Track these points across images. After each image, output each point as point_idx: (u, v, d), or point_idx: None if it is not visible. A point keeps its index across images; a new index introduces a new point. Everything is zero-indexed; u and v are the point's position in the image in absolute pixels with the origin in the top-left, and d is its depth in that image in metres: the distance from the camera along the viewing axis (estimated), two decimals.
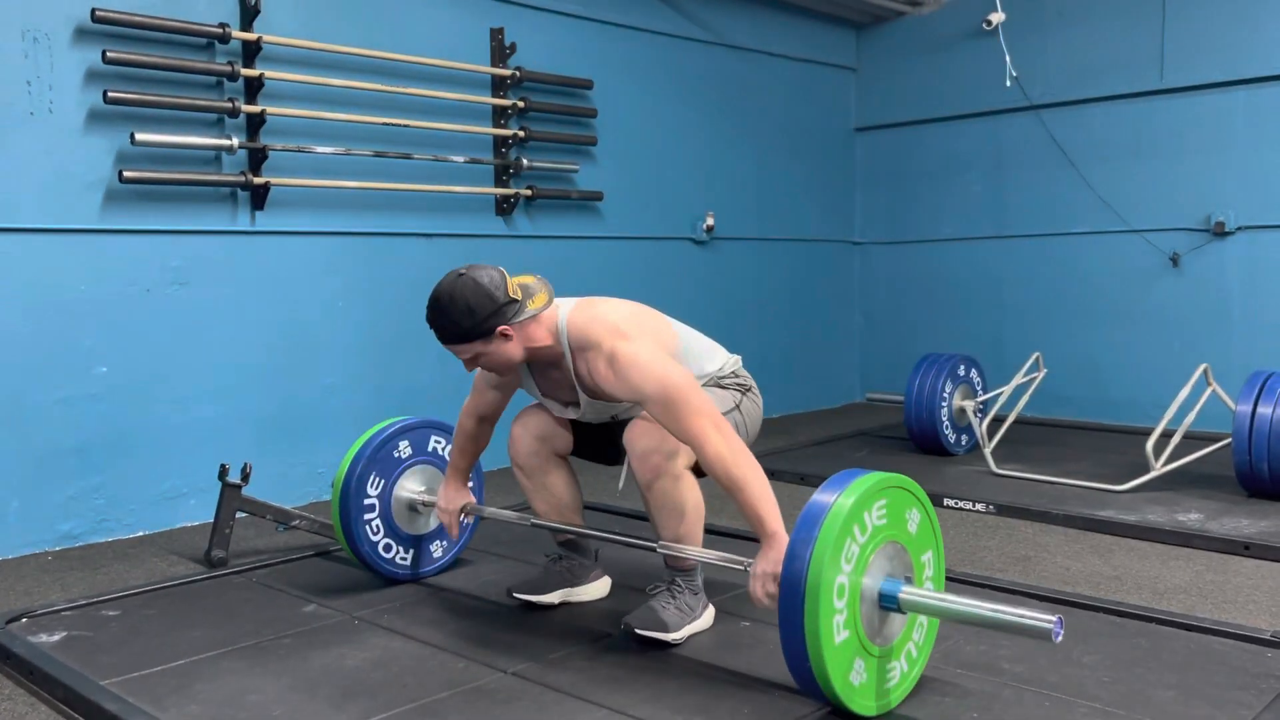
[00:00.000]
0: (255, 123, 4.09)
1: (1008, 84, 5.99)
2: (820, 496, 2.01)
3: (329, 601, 2.90)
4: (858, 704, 2.05)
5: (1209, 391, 4.34)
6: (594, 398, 2.52)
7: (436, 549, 3.16)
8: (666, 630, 2.48)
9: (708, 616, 2.64)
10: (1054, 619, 1.90)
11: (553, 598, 2.80)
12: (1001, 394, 4.97)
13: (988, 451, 4.69)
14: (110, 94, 3.67)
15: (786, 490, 4.50)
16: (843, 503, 1.97)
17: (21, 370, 3.61)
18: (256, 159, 4.10)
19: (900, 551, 2.11)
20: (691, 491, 2.49)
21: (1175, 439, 4.26)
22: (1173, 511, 3.87)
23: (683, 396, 2.27)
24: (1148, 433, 4.32)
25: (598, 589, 2.90)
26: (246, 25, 4.07)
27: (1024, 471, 4.56)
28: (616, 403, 2.52)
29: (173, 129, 3.89)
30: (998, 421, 5.03)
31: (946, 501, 4.13)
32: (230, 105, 3.98)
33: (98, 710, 2.21)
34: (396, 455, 3.03)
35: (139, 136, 3.73)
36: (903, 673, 2.16)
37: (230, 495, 3.38)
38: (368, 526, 2.98)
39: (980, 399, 5.11)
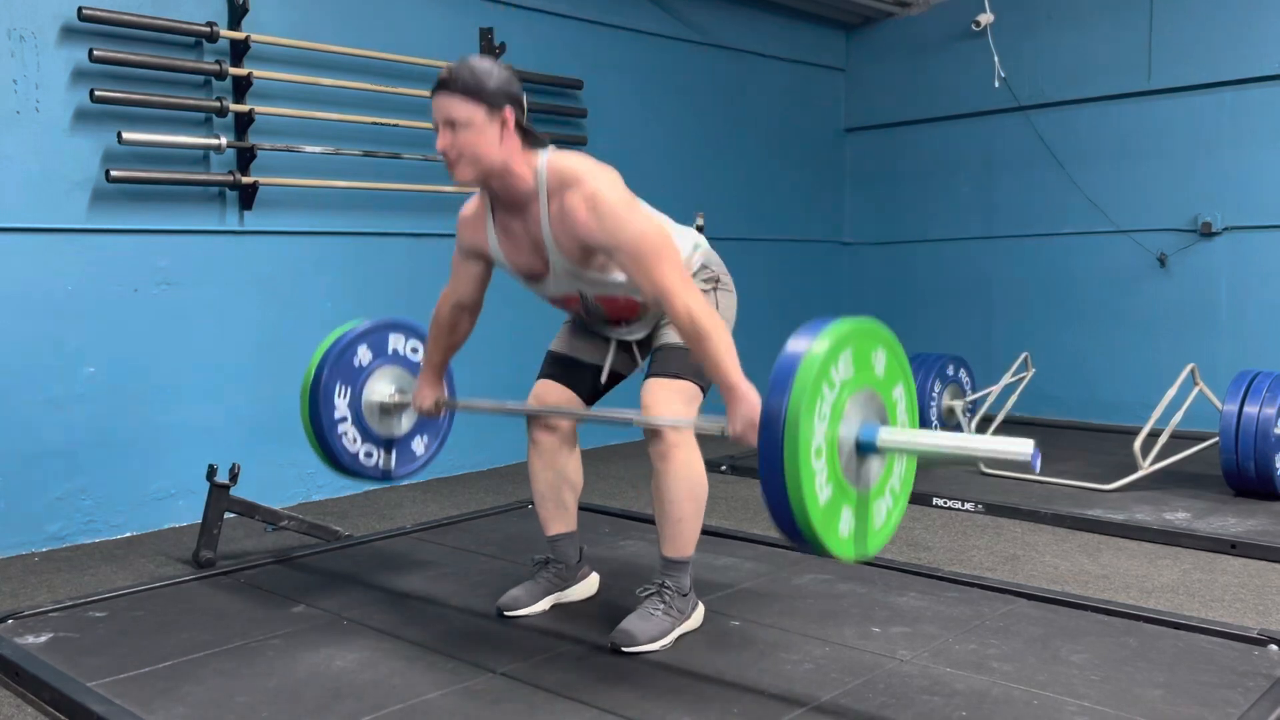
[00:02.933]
0: (243, 122, 4.08)
1: (996, 85, 6.02)
2: (784, 357, 1.94)
3: (317, 602, 2.90)
4: (853, 550, 2.02)
5: (1196, 391, 4.36)
6: (563, 251, 2.43)
7: (419, 445, 3.12)
8: (653, 641, 2.48)
9: (697, 616, 2.64)
10: (1030, 447, 1.86)
11: (543, 606, 2.79)
12: (990, 393, 4.99)
13: None
14: (97, 93, 3.66)
15: None
16: (807, 368, 1.90)
17: (8, 371, 3.60)
18: (245, 158, 4.08)
19: (871, 396, 2.06)
20: (702, 466, 2.53)
21: (1162, 438, 4.29)
22: (1160, 511, 3.89)
23: (656, 249, 2.29)
24: (1135, 432, 4.34)
25: (586, 588, 2.90)
26: (235, 24, 4.06)
27: (1012, 471, 4.58)
28: (586, 265, 2.44)
29: (160, 128, 3.88)
30: (986, 421, 5.05)
31: (935, 501, 4.14)
32: (218, 104, 3.97)
33: (85, 712, 2.19)
34: (358, 363, 2.95)
35: (126, 136, 3.72)
36: (888, 509, 2.12)
37: (218, 496, 3.37)
38: (344, 438, 2.92)
39: (969, 398, 5.12)
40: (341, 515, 4.09)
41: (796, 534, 1.95)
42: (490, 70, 2.35)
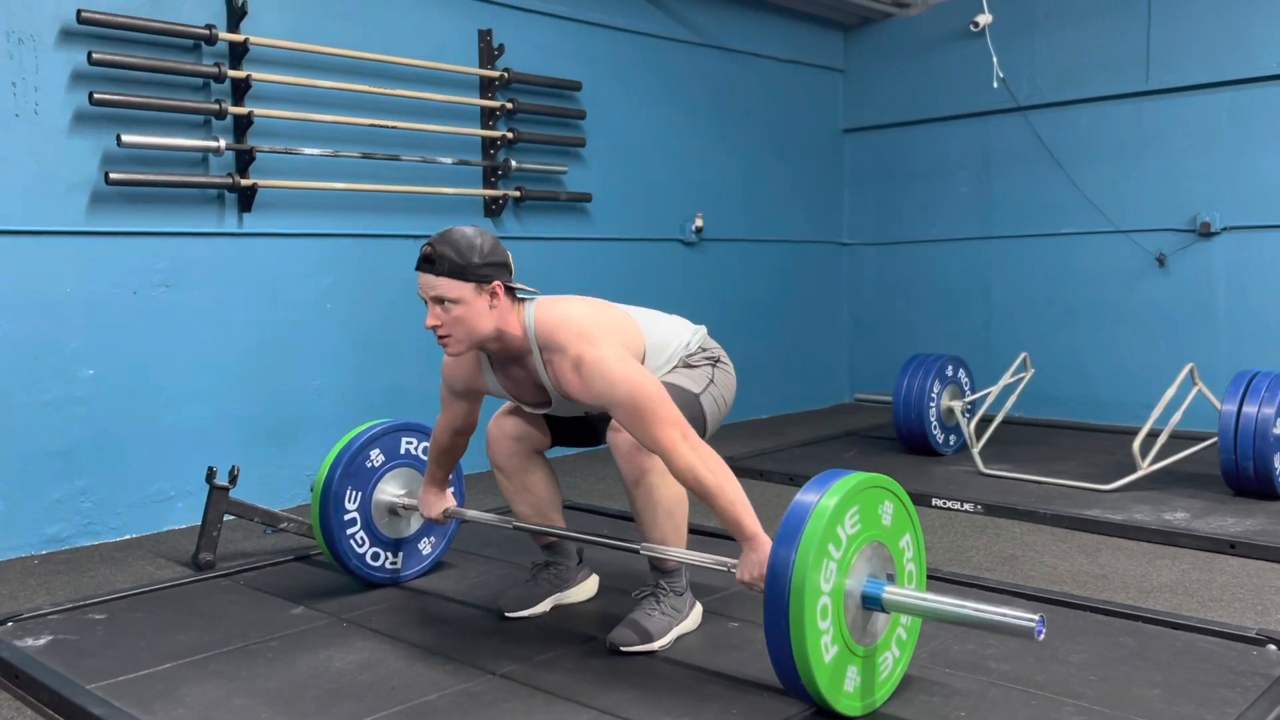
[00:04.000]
0: (242, 124, 4.08)
1: (995, 85, 6.01)
2: (793, 511, 1.99)
3: (316, 604, 2.90)
4: (860, 705, 2.07)
5: (1195, 391, 4.36)
6: (564, 395, 2.49)
7: (425, 546, 3.16)
8: (650, 640, 2.48)
9: (695, 617, 2.64)
10: (1035, 618, 1.90)
11: (544, 607, 2.80)
12: (989, 394, 4.99)
13: (975, 451, 4.71)
14: (96, 95, 3.66)
15: (775, 490, 4.52)
16: (815, 524, 1.95)
17: (7, 373, 3.60)
18: (243, 161, 4.08)
19: (878, 549, 2.11)
20: (676, 488, 2.49)
21: (1161, 438, 4.29)
22: (1159, 510, 3.89)
23: (651, 406, 2.26)
24: (1134, 432, 4.34)
25: (586, 589, 2.90)
26: (233, 26, 4.06)
27: (1011, 471, 4.58)
28: (588, 403, 2.49)
29: (159, 131, 3.88)
30: (985, 421, 5.05)
31: (934, 501, 4.14)
32: (217, 107, 3.97)
33: (84, 714, 2.19)
34: (369, 465, 3.00)
35: (125, 138, 3.72)
36: (894, 659, 2.17)
37: (218, 498, 3.37)
38: (352, 540, 2.97)
39: (968, 399, 5.12)
40: None
41: (802, 693, 1.99)
42: (474, 244, 2.33)
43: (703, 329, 2.76)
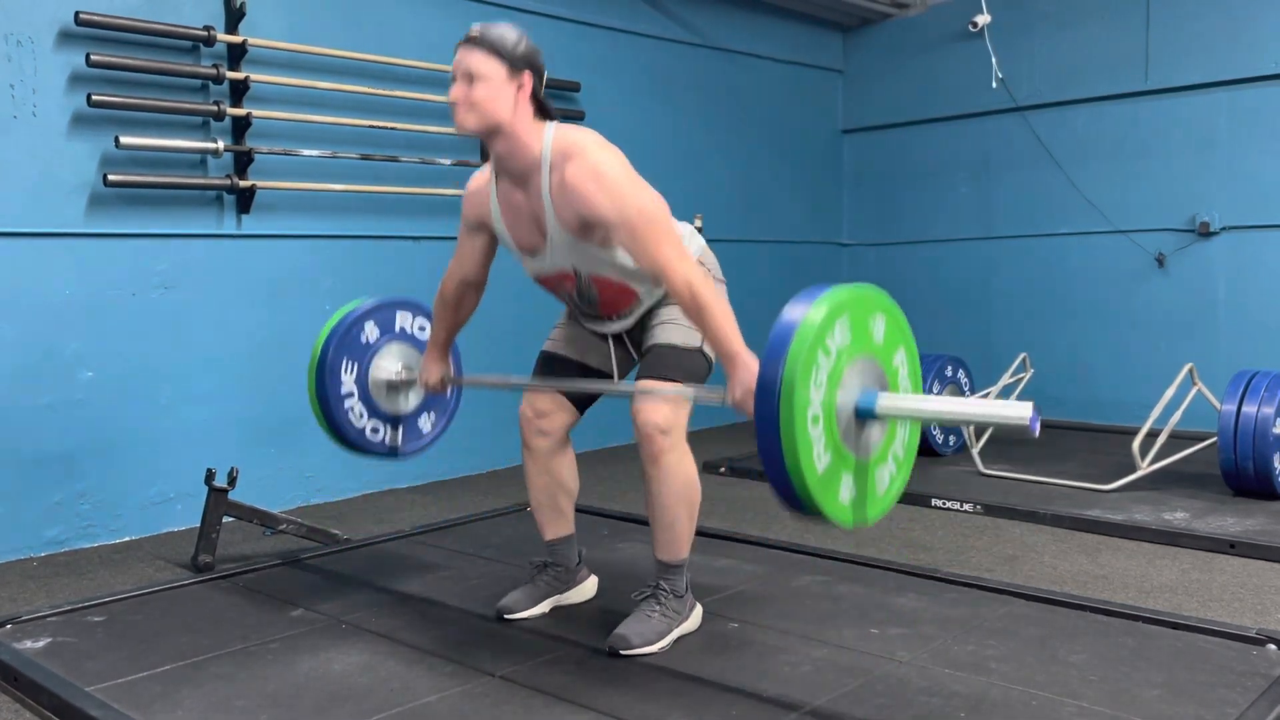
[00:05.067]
0: (241, 126, 4.08)
1: (994, 86, 6.02)
2: (780, 325, 1.94)
3: (316, 606, 2.89)
4: (852, 517, 2.00)
5: (1194, 391, 4.36)
6: (562, 223, 2.43)
7: (426, 423, 3.12)
8: (650, 642, 2.48)
9: (695, 618, 2.64)
10: (1029, 409, 1.85)
11: (543, 608, 2.79)
12: (989, 394, 4.99)
13: (975, 452, 4.71)
14: (95, 97, 3.66)
15: None
16: (802, 336, 1.89)
17: (6, 375, 3.59)
18: (242, 162, 4.08)
19: (870, 363, 2.04)
20: (691, 469, 2.52)
21: (1161, 438, 4.29)
22: (1159, 510, 3.89)
23: (655, 223, 2.32)
24: (1134, 432, 4.34)
25: (585, 590, 2.90)
26: (232, 28, 4.06)
27: (1011, 471, 4.58)
28: (584, 238, 2.43)
29: (158, 132, 3.88)
30: None
31: (934, 501, 4.14)
32: (216, 108, 3.97)
33: (83, 716, 2.19)
34: (365, 339, 2.95)
35: (124, 140, 3.72)
36: (891, 475, 2.11)
37: (217, 500, 3.36)
38: (350, 412, 2.92)
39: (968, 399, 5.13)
40: (340, 518, 4.09)
41: (795, 501, 1.93)
42: (519, 38, 2.42)
43: (700, 240, 2.70)
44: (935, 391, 4.99)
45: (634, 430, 2.49)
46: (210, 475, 3.39)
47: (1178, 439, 4.46)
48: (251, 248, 4.19)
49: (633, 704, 2.20)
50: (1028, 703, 2.18)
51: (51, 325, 3.69)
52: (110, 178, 3.72)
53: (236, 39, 4.02)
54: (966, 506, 4.07)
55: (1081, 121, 5.96)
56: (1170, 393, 4.29)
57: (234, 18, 4.05)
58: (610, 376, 2.72)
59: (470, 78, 2.36)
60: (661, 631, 2.51)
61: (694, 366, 2.52)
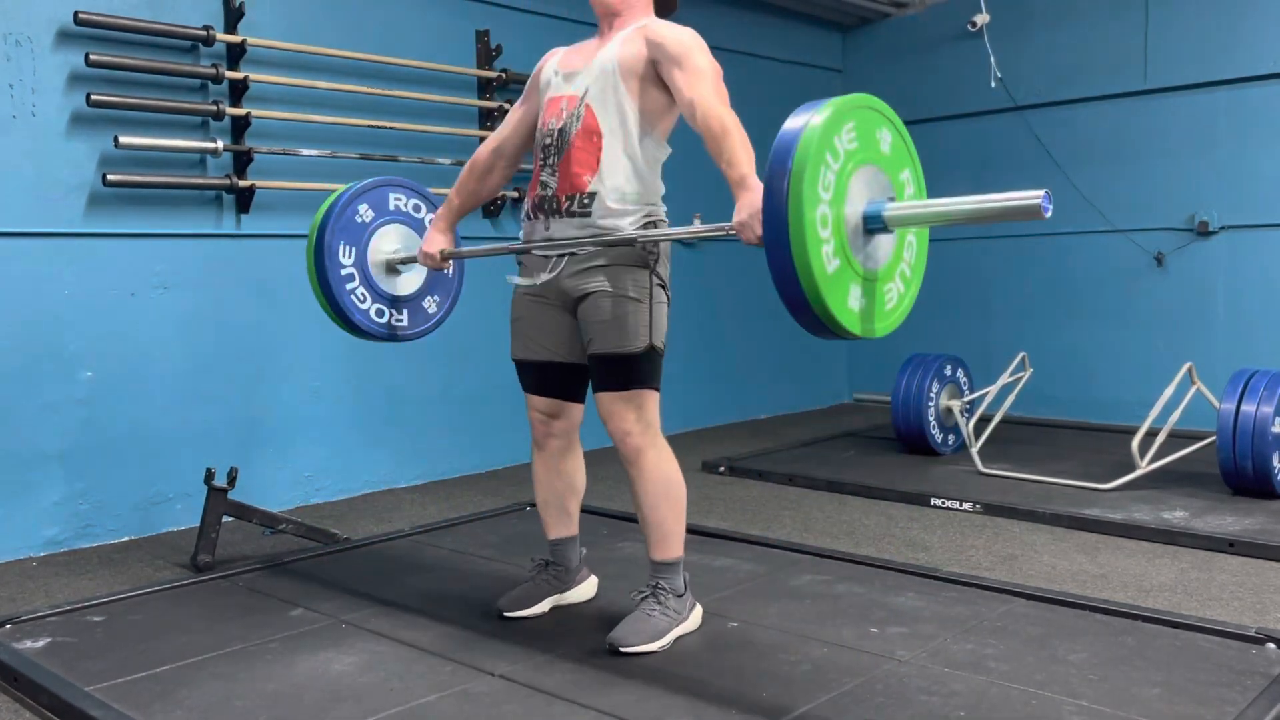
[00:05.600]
0: (240, 125, 4.08)
1: (992, 85, 6.02)
2: (787, 127, 1.90)
3: (315, 605, 2.89)
4: (860, 326, 1.98)
5: (1193, 390, 4.36)
6: (616, 56, 2.51)
7: (431, 304, 3.10)
8: (650, 641, 2.48)
9: (695, 618, 2.64)
10: (1040, 194, 1.84)
11: (542, 607, 2.79)
12: (988, 394, 4.99)
13: (974, 451, 4.71)
14: (94, 97, 3.66)
15: (775, 490, 4.52)
16: (810, 131, 1.85)
17: (5, 375, 3.59)
18: (241, 162, 4.08)
19: (877, 174, 2.01)
20: (671, 467, 2.54)
21: (1160, 437, 4.29)
22: (1158, 509, 3.89)
23: (707, 72, 2.47)
24: (1133, 431, 4.35)
25: (585, 590, 2.90)
26: (231, 28, 4.06)
27: (1010, 471, 4.58)
28: (626, 77, 2.50)
29: (157, 132, 3.88)
30: (984, 421, 5.05)
31: (933, 501, 4.15)
32: (215, 108, 3.97)
33: (82, 717, 2.19)
34: (359, 220, 2.93)
35: (123, 140, 3.72)
36: (899, 293, 2.09)
37: (216, 499, 3.37)
38: (353, 296, 2.91)
39: (967, 399, 5.12)
40: (339, 518, 4.09)
41: (803, 303, 1.88)
42: None
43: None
44: (934, 391, 4.99)
45: (610, 433, 2.52)
46: (210, 475, 3.39)
47: (1177, 438, 4.46)
48: (250, 247, 4.19)
49: (633, 703, 2.20)
50: (1027, 702, 2.18)
51: (51, 325, 3.69)
52: (109, 177, 3.72)
53: (235, 39, 4.02)
54: (966, 506, 4.08)
55: (1080, 121, 5.96)
56: (1169, 392, 4.29)
57: (233, 17, 4.05)
58: (566, 359, 2.64)
59: None
60: (662, 630, 2.51)
61: (648, 368, 2.51)
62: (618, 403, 2.50)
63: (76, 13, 3.62)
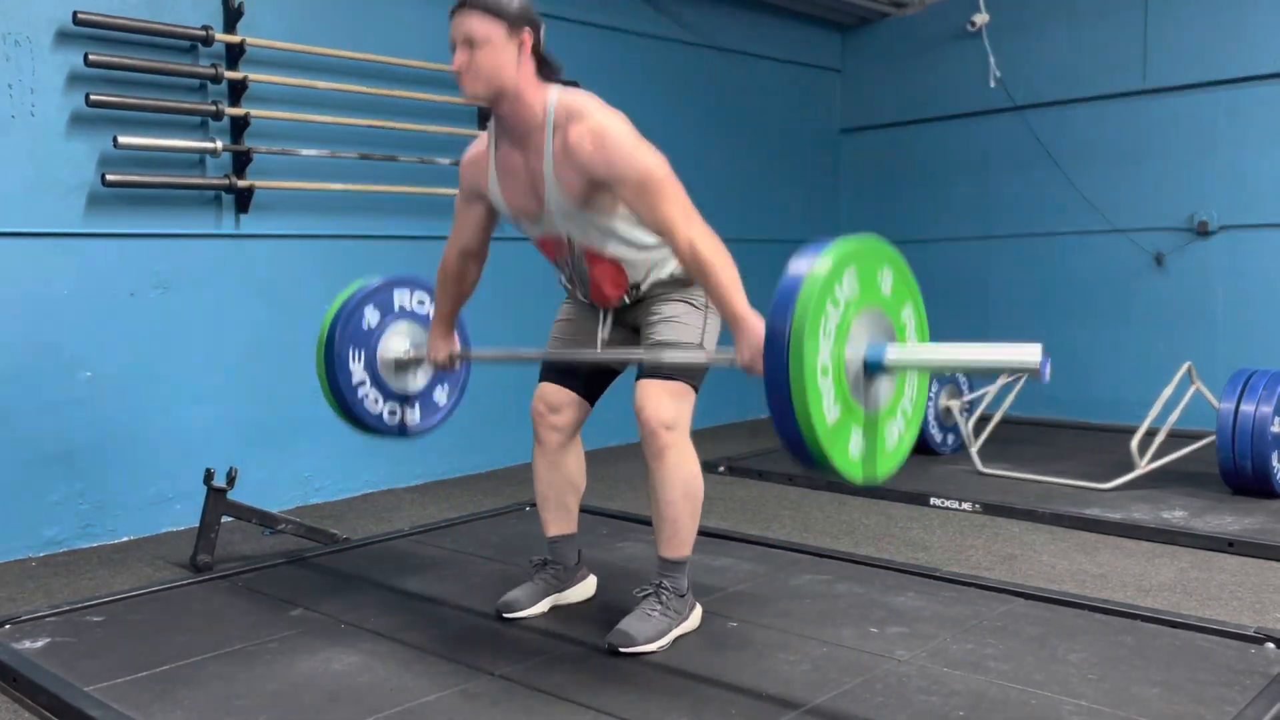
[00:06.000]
0: (239, 125, 4.08)
1: (992, 85, 6.02)
2: (787, 278, 1.91)
3: (315, 606, 2.89)
4: (861, 471, 1.99)
5: (1193, 390, 4.36)
6: (563, 186, 2.42)
7: (440, 396, 3.13)
8: (650, 641, 2.48)
9: (695, 618, 2.64)
10: (1038, 351, 1.84)
11: (542, 607, 2.79)
12: (987, 393, 4.99)
13: (974, 451, 4.71)
14: (93, 97, 3.66)
15: (776, 490, 4.52)
16: (810, 285, 1.87)
17: (4, 376, 3.59)
18: (241, 162, 4.08)
19: (879, 316, 2.03)
20: (694, 467, 2.54)
21: (1159, 437, 4.29)
22: (1157, 509, 3.89)
23: (660, 184, 2.34)
24: (1132, 431, 4.35)
25: (584, 590, 2.90)
26: (230, 28, 4.06)
27: (1010, 470, 4.58)
28: (584, 206, 2.44)
29: (156, 132, 3.87)
30: (984, 421, 5.05)
31: (933, 501, 4.15)
32: (214, 108, 3.97)
33: (82, 717, 2.19)
34: (366, 326, 2.96)
35: (122, 140, 3.71)
36: (900, 432, 2.10)
37: (216, 500, 3.36)
38: (365, 400, 2.94)
39: (966, 398, 5.12)
40: (339, 518, 4.09)
41: (805, 454, 1.91)
42: None
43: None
44: (933, 390, 4.99)
45: (639, 427, 2.50)
46: (209, 475, 3.39)
47: (1176, 438, 4.46)
48: (250, 247, 4.19)
49: (633, 703, 2.20)
50: (1026, 701, 2.18)
51: (50, 325, 3.69)
52: (109, 177, 3.72)
53: (235, 39, 4.01)
54: (965, 505, 4.08)
55: (1080, 121, 5.97)
56: (1168, 391, 4.30)
57: (232, 17, 4.05)
58: (609, 367, 2.71)
59: (471, 43, 2.35)
60: (662, 630, 2.51)
61: (696, 367, 2.53)
62: (661, 392, 2.49)
63: (75, 13, 3.62)
